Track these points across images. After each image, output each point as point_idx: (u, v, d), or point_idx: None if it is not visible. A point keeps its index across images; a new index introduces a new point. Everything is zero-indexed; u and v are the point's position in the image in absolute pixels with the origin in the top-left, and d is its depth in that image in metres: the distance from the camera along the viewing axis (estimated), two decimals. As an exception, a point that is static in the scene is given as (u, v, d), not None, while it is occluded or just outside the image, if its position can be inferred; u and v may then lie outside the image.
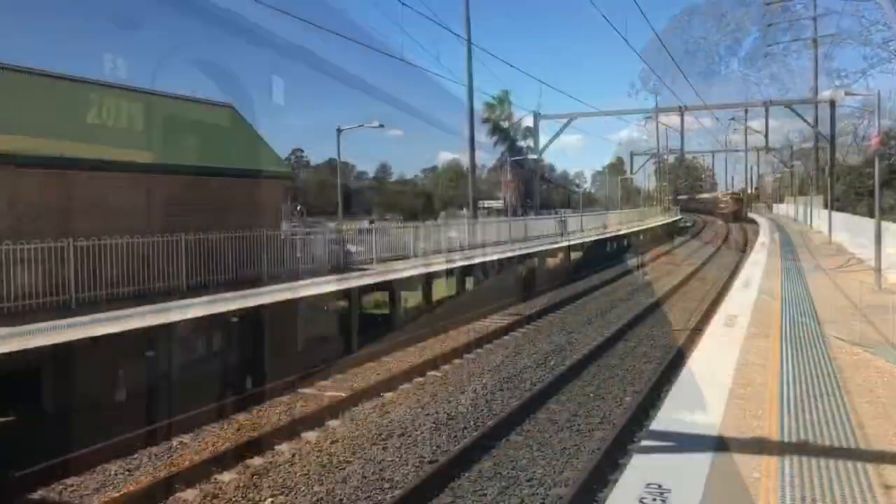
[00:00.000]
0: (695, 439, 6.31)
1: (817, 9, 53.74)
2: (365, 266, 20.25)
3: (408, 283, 19.24)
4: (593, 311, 20.25)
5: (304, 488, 8.11)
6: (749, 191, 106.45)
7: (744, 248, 39.62)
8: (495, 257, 24.76)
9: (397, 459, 8.90)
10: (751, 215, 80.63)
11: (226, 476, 8.46)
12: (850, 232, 26.85)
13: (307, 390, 12.28)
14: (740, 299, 15.38)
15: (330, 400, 11.40)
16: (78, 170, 13.52)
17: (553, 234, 39.66)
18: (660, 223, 63.92)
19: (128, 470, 8.81)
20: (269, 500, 7.82)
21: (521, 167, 51.45)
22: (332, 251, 19.70)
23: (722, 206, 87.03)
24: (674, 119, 57.20)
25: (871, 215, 19.32)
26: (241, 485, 8.22)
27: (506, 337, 16.56)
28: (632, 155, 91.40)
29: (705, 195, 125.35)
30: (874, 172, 18.47)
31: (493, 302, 20.34)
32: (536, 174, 54.09)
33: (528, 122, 50.49)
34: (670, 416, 7.05)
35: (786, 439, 6.46)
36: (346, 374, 13.31)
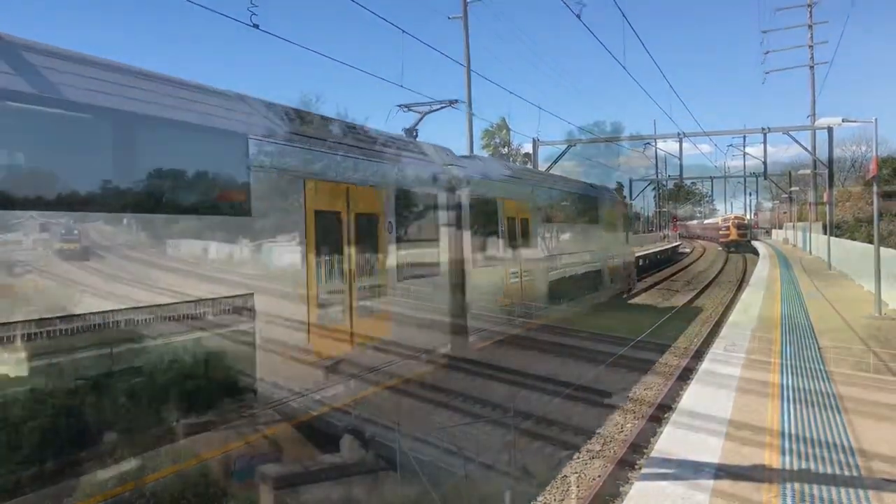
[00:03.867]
0: (695, 466, 6.24)
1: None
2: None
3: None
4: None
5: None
6: (748, 216, 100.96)
7: (742, 274, 39.54)
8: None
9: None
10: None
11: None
12: (849, 259, 26.85)
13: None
14: (740, 323, 15.41)
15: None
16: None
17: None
18: (659, 249, 63.91)
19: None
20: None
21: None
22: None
23: (723, 232, 77.87)
24: (672, 146, 57.56)
25: (871, 241, 19.35)
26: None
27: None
28: (630, 181, 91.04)
29: (706, 221, 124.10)
30: (873, 198, 18.53)
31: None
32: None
33: (528, 148, 50.67)
34: (670, 442, 6.98)
35: (786, 466, 6.40)
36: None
